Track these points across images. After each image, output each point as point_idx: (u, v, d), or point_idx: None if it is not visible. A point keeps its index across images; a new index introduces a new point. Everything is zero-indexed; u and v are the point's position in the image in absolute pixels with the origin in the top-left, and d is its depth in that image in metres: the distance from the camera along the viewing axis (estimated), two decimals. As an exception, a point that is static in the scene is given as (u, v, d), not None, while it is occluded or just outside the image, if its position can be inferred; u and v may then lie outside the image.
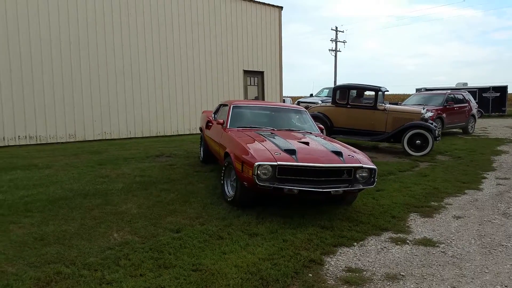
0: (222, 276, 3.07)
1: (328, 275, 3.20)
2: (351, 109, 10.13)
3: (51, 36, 10.11)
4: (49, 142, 10.17)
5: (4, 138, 9.51)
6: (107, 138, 11.18)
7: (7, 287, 2.83)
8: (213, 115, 7.32)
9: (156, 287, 2.88)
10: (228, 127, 5.94)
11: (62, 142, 10.34)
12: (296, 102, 19.22)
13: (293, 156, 4.43)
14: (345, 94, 10.29)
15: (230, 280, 3.01)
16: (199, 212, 4.62)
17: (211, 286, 2.92)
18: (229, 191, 5.02)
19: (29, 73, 9.82)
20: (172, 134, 12.56)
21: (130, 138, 11.59)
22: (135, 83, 11.76)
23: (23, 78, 9.72)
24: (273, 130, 5.85)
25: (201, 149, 7.89)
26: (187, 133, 12.86)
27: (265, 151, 4.57)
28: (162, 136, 12.27)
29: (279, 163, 4.30)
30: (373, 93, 10.04)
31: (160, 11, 12.23)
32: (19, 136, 9.73)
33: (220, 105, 7.40)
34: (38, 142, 10.01)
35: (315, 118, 10.11)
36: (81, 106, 10.74)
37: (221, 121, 6.13)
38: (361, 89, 10.43)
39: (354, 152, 4.92)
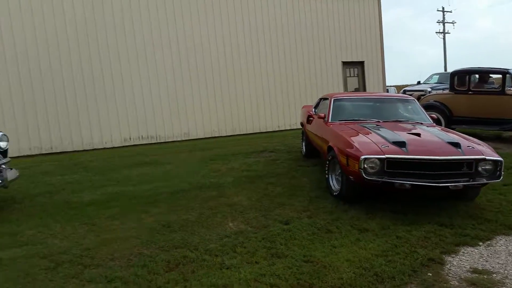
0: (334, 269, 3.12)
1: (450, 275, 3.04)
2: (473, 96, 9.16)
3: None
4: (167, 141, 11.22)
5: (130, 138, 10.76)
6: (214, 136, 11.92)
7: (144, 267, 3.25)
8: (313, 109, 7.36)
9: (271, 275, 3.05)
10: (330, 121, 5.93)
11: (178, 141, 11.32)
12: (402, 91, 18.18)
13: (403, 148, 4.27)
14: (465, 80, 9.33)
15: (343, 273, 3.05)
16: (306, 205, 4.71)
17: (323, 278, 2.99)
18: (335, 185, 5.03)
19: (157, 78, 10.95)
20: (273, 130, 12.89)
21: (234, 135, 12.18)
22: (238, 81, 12.30)
23: (151, 84, 10.87)
24: (379, 122, 5.68)
25: (303, 144, 7.99)
26: (288, 128, 13.07)
27: (371, 143, 4.48)
28: (264, 132, 12.66)
29: (387, 156, 4.18)
30: (499, 76, 8.95)
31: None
32: (142, 136, 10.92)
33: (321, 99, 7.40)
34: (158, 141, 11.11)
35: (431, 107, 9.49)
36: (191, 107, 11.61)
37: (322, 115, 6.15)
38: (484, 72, 9.40)
39: (475, 143, 4.54)
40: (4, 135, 5.01)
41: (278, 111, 13.04)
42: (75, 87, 10.01)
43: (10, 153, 5.46)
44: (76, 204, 5.07)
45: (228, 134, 12.13)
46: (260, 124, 12.75)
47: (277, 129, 12.96)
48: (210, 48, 11.76)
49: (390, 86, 21.83)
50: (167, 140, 11.28)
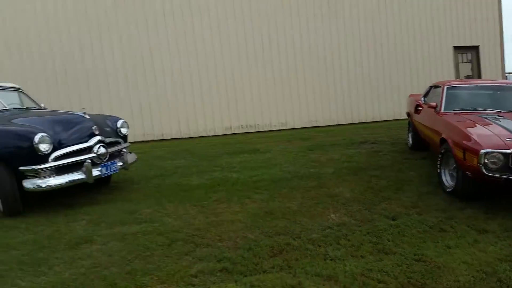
0: (450, 270, 2.88)
1: None
2: None
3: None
4: (265, 130, 11.46)
5: (231, 127, 11.21)
6: (313, 125, 11.84)
7: (250, 250, 3.36)
8: (422, 98, 6.85)
9: (379, 271, 2.93)
10: (442, 110, 5.47)
11: (276, 130, 11.50)
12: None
13: (532, 142, 3.77)
14: None
15: (460, 276, 2.80)
16: (415, 201, 4.43)
17: (438, 279, 2.78)
18: (448, 181, 4.64)
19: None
20: (375, 120, 12.35)
21: (335, 125, 11.96)
22: (337, 70, 12.00)
23: (242, 75, 11.21)
24: (500, 112, 5.11)
25: (409, 135, 7.52)
26: (391, 118, 12.42)
27: (493, 136, 4.04)
28: (365, 123, 12.20)
29: (513, 150, 3.73)
30: None
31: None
32: (241, 125, 11.30)
33: (431, 87, 6.86)
34: (257, 130, 11.40)
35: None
36: (289, 97, 11.66)
37: (434, 104, 5.70)
38: None
39: None
40: (125, 122, 5.56)
41: (379, 100, 12.44)
42: (185, 80, 10.71)
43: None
44: (186, 187, 5.44)
45: (325, 125, 11.96)
46: (359, 114, 12.32)
47: (377, 119, 12.40)
48: (303, 41, 11.65)
49: (510, 73, 19.42)
50: (265, 129, 11.52)
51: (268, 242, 3.52)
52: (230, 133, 11.19)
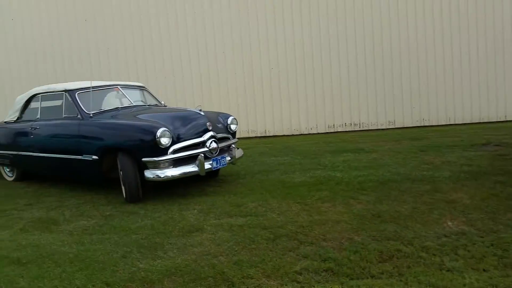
0: None
1: None
2: None
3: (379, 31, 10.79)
4: (370, 128, 11.00)
5: (334, 125, 10.99)
6: (425, 124, 11.00)
7: (356, 253, 3.23)
8: None
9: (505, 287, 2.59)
10: None
11: (382, 129, 10.96)
12: None
13: None
14: None
15: None
16: (552, 212, 3.82)
17: None
18: None
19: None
20: (499, 120, 10.99)
21: (450, 124, 10.95)
22: (449, 65, 10.95)
23: (349, 71, 10.88)
24: None
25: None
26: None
27: None
28: (486, 123, 10.94)
29: None
30: None
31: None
32: (345, 123, 11.00)
33: None
34: (361, 129, 11.00)
35: None
36: (400, 94, 10.98)
37: None
38: None
39: None
40: (234, 118, 5.78)
41: (497, 96, 11.00)
42: (290, 77, 10.80)
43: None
44: (289, 184, 5.46)
45: (439, 124, 11.00)
46: (481, 113, 11.08)
47: (502, 119, 11.02)
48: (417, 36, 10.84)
49: None
50: (370, 128, 11.05)
51: (376, 246, 3.34)
52: (332, 131, 10.97)
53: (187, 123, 4.99)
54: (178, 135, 4.83)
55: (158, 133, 4.57)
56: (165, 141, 4.61)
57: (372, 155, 7.24)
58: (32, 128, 5.86)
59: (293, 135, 10.87)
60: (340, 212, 4.22)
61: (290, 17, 10.67)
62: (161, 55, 10.71)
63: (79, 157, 5.15)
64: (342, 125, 11.01)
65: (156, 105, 6.18)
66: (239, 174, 6.23)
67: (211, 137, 5.10)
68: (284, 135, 10.87)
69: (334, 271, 2.97)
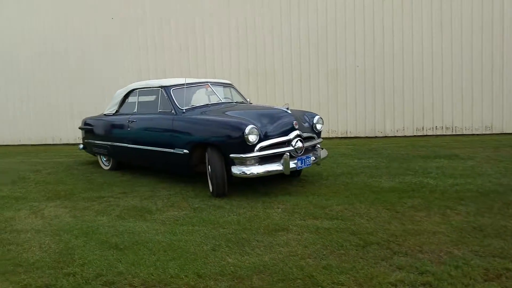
0: None
1: None
2: None
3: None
4: (464, 133, 10.16)
5: (423, 128, 10.32)
6: (528, 132, 9.90)
7: (458, 268, 2.95)
8: None
9: None
10: None
11: (477, 134, 10.06)
12: None
13: None
14: None
15: None
16: None
17: None
18: None
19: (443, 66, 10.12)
20: None
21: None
22: None
23: (443, 68, 10.13)
24: None
25: None
26: None
27: None
28: None
29: None
30: None
31: None
32: (436, 126, 10.27)
33: None
34: (453, 133, 10.20)
35: None
36: (500, 95, 9.99)
37: None
38: None
39: None
40: (320, 118, 5.66)
41: None
42: (377, 77, 10.37)
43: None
44: (376, 189, 5.21)
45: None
46: None
47: None
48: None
49: None
50: (464, 133, 10.20)
51: (480, 262, 3.03)
52: (421, 134, 10.32)
53: (274, 121, 4.99)
54: (265, 132, 4.85)
55: (247, 130, 4.62)
56: (252, 138, 4.65)
57: (468, 162, 6.66)
58: (129, 121, 6.29)
59: (376, 137, 10.42)
60: (436, 223, 3.91)
61: (381, 12, 10.20)
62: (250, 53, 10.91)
63: (171, 150, 5.41)
64: (432, 128, 10.30)
65: (242, 102, 6.28)
66: (321, 175, 6.10)
67: (297, 136, 5.04)
68: (366, 137, 10.47)
69: (433, 285, 2.75)
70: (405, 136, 10.33)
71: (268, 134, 4.86)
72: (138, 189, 5.75)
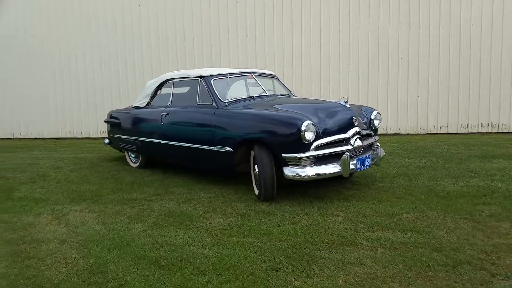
0: None
1: None
2: None
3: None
4: (511, 131, 9.40)
5: (468, 125, 9.59)
6: None
7: None
8: None
9: None
10: None
11: (529, 132, 9.32)
12: None
13: None
14: None
15: None
16: None
17: None
18: None
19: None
20: None
21: None
22: None
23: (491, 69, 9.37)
24: None
25: None
26: None
27: None
28: None
29: None
30: None
31: None
32: (481, 123, 9.54)
33: None
34: (499, 131, 9.46)
35: None
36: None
37: None
38: None
39: None
40: (378, 113, 5.05)
41: None
42: (422, 69, 9.66)
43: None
44: (442, 193, 4.60)
45: None
46: None
47: None
48: None
49: None
50: (511, 131, 9.44)
51: None
52: (465, 131, 9.59)
53: (331, 116, 4.39)
54: (323, 129, 4.26)
55: (303, 127, 4.04)
56: (309, 135, 4.07)
57: (536, 163, 5.98)
58: (163, 114, 5.75)
59: (418, 133, 9.73)
60: (531, 237, 3.30)
61: (427, 2, 9.45)
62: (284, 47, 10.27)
63: (212, 148, 4.87)
64: (478, 125, 9.56)
65: (288, 95, 5.70)
66: (374, 177, 5.50)
67: (356, 133, 4.45)
68: (408, 134, 9.78)
69: None
70: (449, 133, 9.61)
71: (326, 131, 4.27)
72: (173, 191, 5.22)
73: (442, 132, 9.63)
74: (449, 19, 9.37)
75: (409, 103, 9.71)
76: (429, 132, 9.69)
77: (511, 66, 9.27)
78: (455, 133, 9.59)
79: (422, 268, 2.89)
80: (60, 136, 11.47)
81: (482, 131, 9.55)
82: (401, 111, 9.75)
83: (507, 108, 9.41)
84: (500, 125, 9.52)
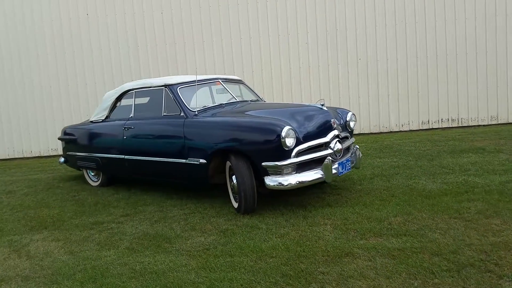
0: None
1: None
2: None
3: None
4: (470, 124, 9.71)
5: (428, 121, 9.78)
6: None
7: None
8: None
9: None
10: None
11: (483, 125, 9.64)
12: None
13: None
14: None
15: None
16: None
17: None
18: None
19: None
20: None
21: None
22: None
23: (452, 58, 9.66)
24: None
25: None
26: None
27: None
28: None
29: None
30: None
31: None
32: (441, 119, 9.77)
33: None
34: (459, 125, 9.74)
35: None
36: (505, 86, 9.61)
37: None
38: None
39: None
40: (353, 114, 4.93)
41: None
42: (381, 69, 9.76)
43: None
44: (424, 192, 4.52)
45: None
46: None
47: None
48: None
49: None
50: (470, 124, 9.75)
51: None
52: (426, 128, 9.78)
53: (309, 120, 4.18)
54: (302, 134, 4.04)
55: (283, 133, 3.79)
56: (290, 141, 3.84)
57: (500, 155, 6.11)
58: (125, 128, 5.30)
59: (381, 132, 9.81)
60: (523, 233, 3.25)
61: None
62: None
63: (183, 160, 4.51)
64: (438, 121, 9.79)
65: (257, 100, 5.44)
66: (352, 179, 5.36)
67: (335, 136, 4.27)
68: (371, 133, 9.84)
69: None
70: (411, 130, 9.77)
71: (305, 135, 4.05)
72: (143, 210, 4.79)
73: (404, 130, 9.77)
74: (404, 17, 9.57)
75: (370, 103, 9.78)
76: (391, 130, 9.80)
77: (466, 62, 9.58)
78: (417, 130, 9.76)
79: (427, 276, 2.73)
80: (7, 157, 10.53)
81: (443, 126, 9.79)
82: (363, 110, 9.79)
83: (465, 102, 9.71)
84: (460, 119, 9.80)
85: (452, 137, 8.18)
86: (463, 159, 6.08)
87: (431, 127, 9.79)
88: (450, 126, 9.76)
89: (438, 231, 3.44)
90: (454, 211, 3.86)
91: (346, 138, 4.69)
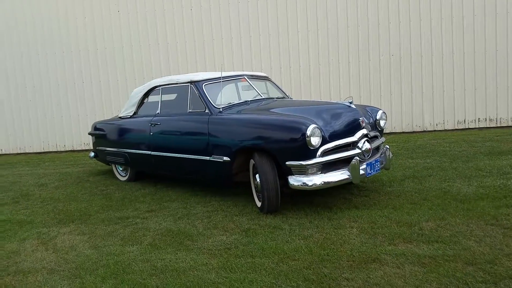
0: None
1: None
2: None
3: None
4: (509, 125, 9.23)
5: (465, 121, 9.36)
6: None
7: None
8: None
9: None
10: None
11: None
12: None
13: None
14: None
15: None
16: None
17: None
18: None
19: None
20: None
21: None
22: None
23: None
24: None
25: None
26: None
27: None
28: None
29: None
30: None
31: None
32: (478, 118, 9.32)
33: None
34: (497, 125, 9.26)
35: None
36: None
37: None
38: None
39: None
40: (384, 113, 4.72)
41: None
42: (416, 63, 9.41)
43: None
44: (459, 196, 4.28)
45: None
46: None
47: None
48: None
49: None
50: (509, 124, 9.25)
51: None
52: (462, 128, 9.35)
53: (336, 119, 4.03)
54: (328, 133, 3.90)
55: (308, 131, 3.67)
56: (315, 140, 3.71)
57: (545, 159, 5.73)
58: (151, 124, 5.33)
59: (414, 132, 9.47)
60: None
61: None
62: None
63: (207, 158, 4.47)
64: (475, 120, 9.34)
65: (283, 97, 5.33)
66: (381, 181, 5.16)
67: (363, 135, 4.10)
68: (403, 132, 9.51)
69: None
70: (446, 130, 9.37)
71: (332, 134, 3.91)
72: (168, 206, 4.80)
73: (438, 129, 9.38)
74: (440, 13, 9.16)
75: (403, 100, 9.44)
76: (425, 129, 9.44)
77: (506, 59, 9.08)
78: (452, 130, 9.36)
79: (460, 287, 2.56)
80: (42, 150, 10.89)
81: (480, 126, 9.34)
82: (395, 108, 9.47)
83: (504, 101, 9.22)
84: (499, 119, 9.32)
85: (490, 138, 7.77)
86: (502, 161, 5.75)
87: (467, 127, 9.37)
88: (488, 126, 9.31)
89: (473, 239, 3.23)
90: (491, 217, 3.62)
91: (375, 137, 4.50)
